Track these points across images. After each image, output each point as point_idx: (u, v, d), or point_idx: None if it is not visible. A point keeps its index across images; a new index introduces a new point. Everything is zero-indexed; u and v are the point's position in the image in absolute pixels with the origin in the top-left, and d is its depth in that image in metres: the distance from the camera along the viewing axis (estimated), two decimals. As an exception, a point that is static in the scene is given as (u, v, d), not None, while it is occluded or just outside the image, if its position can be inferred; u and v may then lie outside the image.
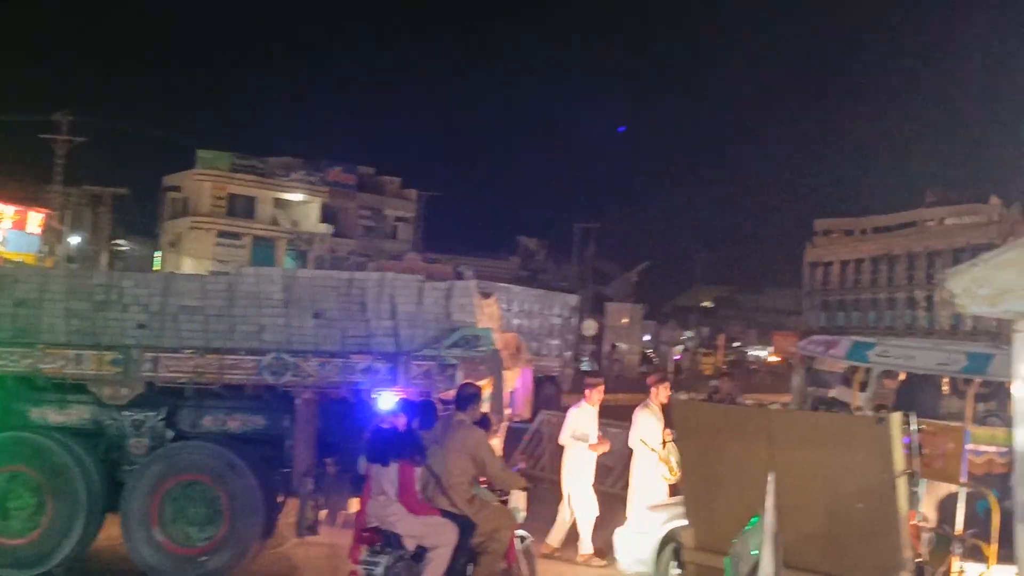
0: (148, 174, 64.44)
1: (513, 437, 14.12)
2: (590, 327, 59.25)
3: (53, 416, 10.50)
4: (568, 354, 13.23)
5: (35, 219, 52.16)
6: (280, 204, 64.74)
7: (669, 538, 9.84)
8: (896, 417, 6.64)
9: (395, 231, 68.70)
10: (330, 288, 10.38)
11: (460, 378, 10.07)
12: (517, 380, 11.80)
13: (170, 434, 10.39)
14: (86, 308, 10.19)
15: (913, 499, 7.09)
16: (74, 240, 56.92)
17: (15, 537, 10.02)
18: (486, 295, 11.20)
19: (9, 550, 9.98)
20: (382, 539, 8.39)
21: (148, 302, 10.24)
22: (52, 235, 53.39)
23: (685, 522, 8.27)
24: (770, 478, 6.53)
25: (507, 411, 11.62)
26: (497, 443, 11.11)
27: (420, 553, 8.42)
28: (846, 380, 15.65)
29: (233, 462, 10.08)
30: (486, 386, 10.29)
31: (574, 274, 70.45)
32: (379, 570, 8.22)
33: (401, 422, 8.83)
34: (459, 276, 49.00)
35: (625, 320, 62.73)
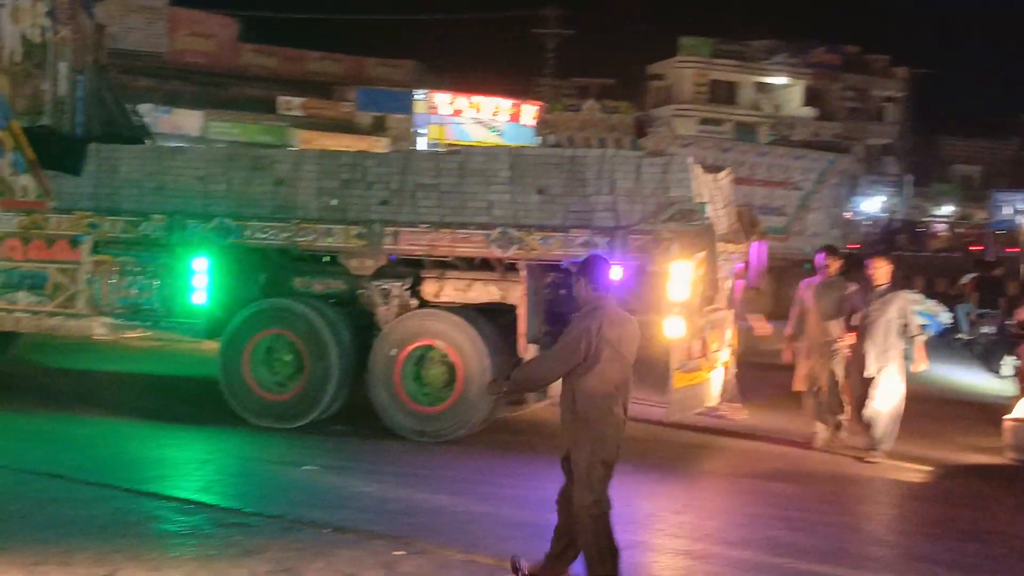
0: (633, 63, 65.60)
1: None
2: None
3: (315, 286, 11.61)
4: (836, 232, 11.36)
5: (529, 111, 55.38)
6: (762, 89, 63.77)
7: None
8: None
9: (881, 112, 65.36)
10: (553, 165, 10.53)
11: (676, 252, 9.96)
12: (752, 253, 11.47)
13: (415, 303, 11.09)
14: (335, 186, 11.03)
15: None
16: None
17: (278, 393, 11.23)
18: (717, 170, 10.81)
19: (273, 405, 11.21)
20: None
21: (389, 180, 10.90)
22: (544, 127, 56.45)
23: None
24: None
25: (740, 282, 11.45)
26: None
27: None
28: None
29: (465, 329, 10.63)
30: (701, 262, 10.08)
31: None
32: None
33: None
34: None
35: None
